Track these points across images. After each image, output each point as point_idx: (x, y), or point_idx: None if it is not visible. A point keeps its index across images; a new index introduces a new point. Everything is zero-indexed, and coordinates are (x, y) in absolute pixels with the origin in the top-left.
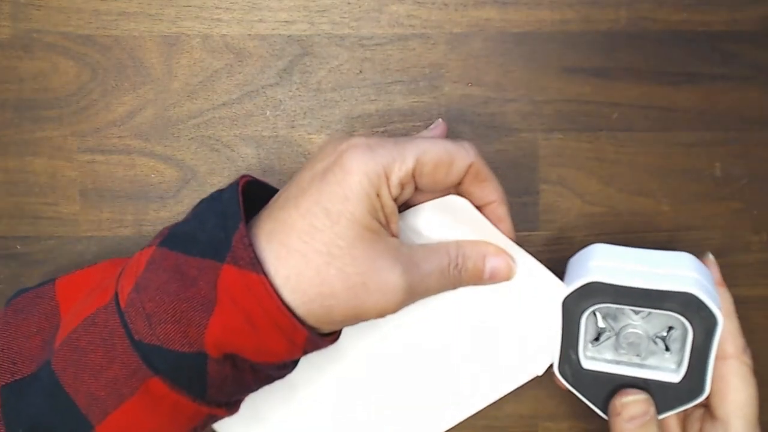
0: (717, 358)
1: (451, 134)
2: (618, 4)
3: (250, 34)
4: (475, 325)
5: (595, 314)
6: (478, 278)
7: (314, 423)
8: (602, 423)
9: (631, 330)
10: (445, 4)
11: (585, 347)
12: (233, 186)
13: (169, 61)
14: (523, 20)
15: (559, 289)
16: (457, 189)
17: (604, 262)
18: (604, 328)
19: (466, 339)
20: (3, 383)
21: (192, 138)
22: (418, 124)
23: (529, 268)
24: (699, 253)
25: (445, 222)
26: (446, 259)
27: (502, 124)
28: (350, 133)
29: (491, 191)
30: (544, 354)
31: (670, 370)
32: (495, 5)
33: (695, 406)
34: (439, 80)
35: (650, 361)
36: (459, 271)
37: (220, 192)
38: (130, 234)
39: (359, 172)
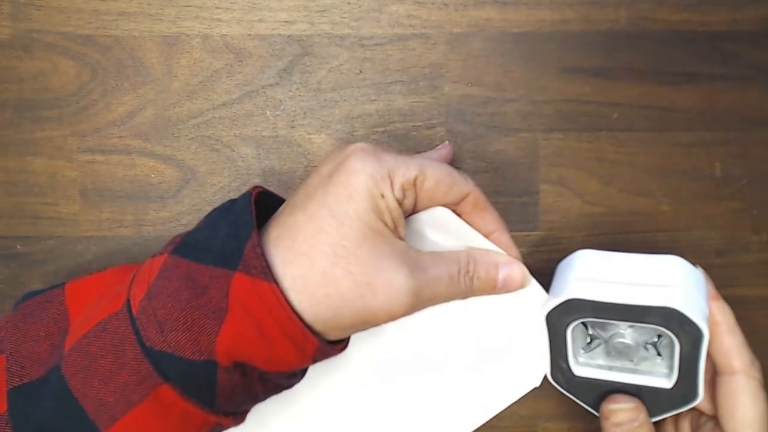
0: (724, 373)
1: (451, 134)
2: (618, 4)
3: (250, 34)
4: (469, 336)
5: (584, 323)
6: (491, 287)
7: (318, 430)
8: None
9: (619, 339)
10: (445, 4)
11: (576, 354)
12: (246, 196)
13: (169, 61)
14: (523, 20)
15: (544, 302)
16: None
17: (586, 274)
18: (593, 335)
19: (463, 351)
20: (11, 386)
21: (192, 138)
22: (418, 124)
23: (539, 299)
24: (699, 254)
25: (443, 230)
26: (456, 266)
27: (502, 124)
28: (351, 133)
29: (491, 221)
30: (540, 366)
31: (662, 375)
32: (495, 5)
33: (706, 418)
34: (439, 80)
35: (643, 365)
36: (471, 279)
37: (232, 202)
38: (130, 234)
39: (363, 172)
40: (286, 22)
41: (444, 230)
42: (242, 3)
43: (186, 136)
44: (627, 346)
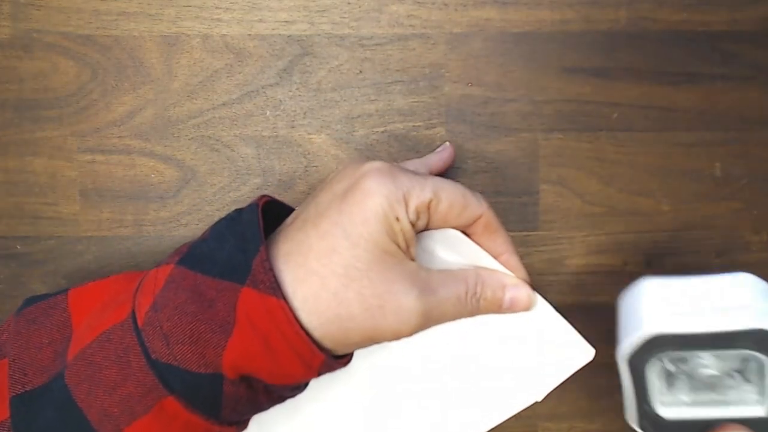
0: None
1: (451, 134)
2: (618, 4)
3: (250, 34)
4: (472, 347)
5: (661, 359)
6: (497, 307)
7: None
8: (602, 423)
9: (702, 370)
10: (445, 4)
11: (659, 394)
12: (253, 207)
13: (169, 61)
14: (523, 20)
15: (561, 325)
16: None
17: (660, 306)
18: (673, 371)
19: (465, 361)
20: (14, 394)
21: (192, 138)
22: (418, 124)
23: (550, 318)
24: (699, 254)
25: (452, 249)
26: (464, 286)
27: (502, 124)
28: (351, 133)
29: (501, 243)
30: (542, 380)
31: (753, 402)
32: (495, 5)
33: None
34: (439, 80)
35: (731, 395)
36: (477, 300)
37: (239, 212)
38: (130, 234)
39: (379, 194)
40: (286, 22)
41: (453, 250)
42: (242, 3)
43: (186, 136)
44: (712, 376)
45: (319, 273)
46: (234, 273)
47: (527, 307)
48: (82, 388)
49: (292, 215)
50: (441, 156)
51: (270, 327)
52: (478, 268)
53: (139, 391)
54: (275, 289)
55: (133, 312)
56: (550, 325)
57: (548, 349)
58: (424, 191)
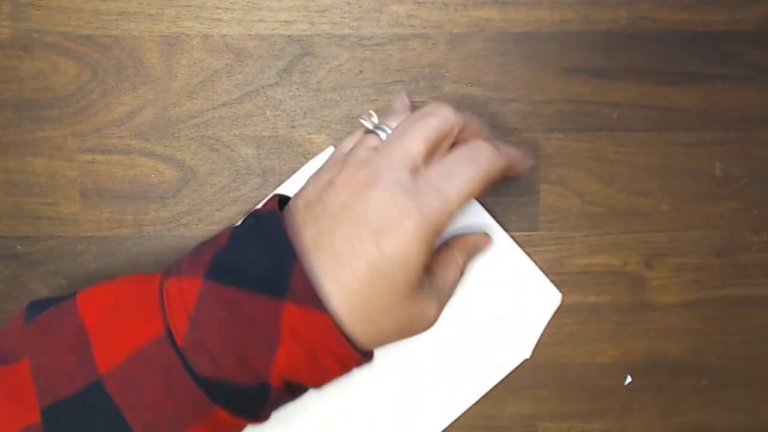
0: None
1: None
2: (618, 4)
3: (250, 34)
4: (468, 317)
5: None
6: (473, 257)
7: (327, 421)
8: (602, 423)
9: None
10: (445, 4)
11: None
12: (273, 215)
13: (169, 61)
14: (523, 20)
15: (531, 270)
16: None
17: None
18: None
19: (463, 331)
20: (44, 405)
21: (192, 138)
22: None
23: (519, 264)
24: (699, 254)
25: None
26: (454, 265)
27: (502, 124)
28: (351, 133)
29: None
30: (529, 337)
31: None
32: (495, 5)
33: None
34: (439, 80)
35: None
36: (464, 268)
37: (256, 218)
38: (130, 234)
39: (419, 242)
40: (286, 22)
41: None
42: (242, 3)
43: (186, 136)
44: None
45: (361, 294)
46: (271, 287)
47: (488, 243)
48: (126, 404)
49: (301, 218)
50: (399, 107)
51: (313, 338)
52: (461, 246)
53: (187, 405)
54: (316, 302)
55: (169, 331)
56: (522, 271)
57: (523, 295)
58: (452, 212)
